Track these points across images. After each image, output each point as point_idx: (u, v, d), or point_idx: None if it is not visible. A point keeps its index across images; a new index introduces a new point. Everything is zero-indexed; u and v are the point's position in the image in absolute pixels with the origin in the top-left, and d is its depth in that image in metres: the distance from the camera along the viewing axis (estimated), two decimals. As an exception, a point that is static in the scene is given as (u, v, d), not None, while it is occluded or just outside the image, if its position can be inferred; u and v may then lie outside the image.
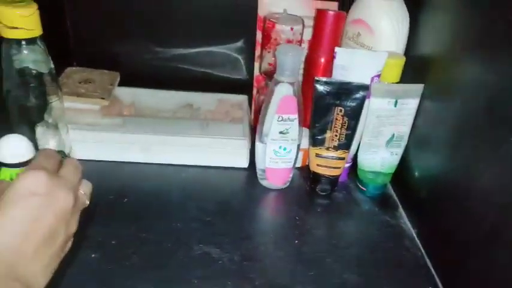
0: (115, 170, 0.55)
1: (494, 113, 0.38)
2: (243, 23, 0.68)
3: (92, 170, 0.54)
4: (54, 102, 0.49)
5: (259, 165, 0.56)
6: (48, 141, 0.50)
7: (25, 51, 0.44)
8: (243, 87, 0.71)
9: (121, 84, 0.66)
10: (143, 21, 0.68)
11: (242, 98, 0.69)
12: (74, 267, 0.41)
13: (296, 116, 0.51)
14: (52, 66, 0.47)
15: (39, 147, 0.50)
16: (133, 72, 0.69)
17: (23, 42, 0.43)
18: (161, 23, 0.69)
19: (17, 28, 0.41)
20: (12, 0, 0.41)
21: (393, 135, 0.53)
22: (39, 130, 0.49)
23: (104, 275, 0.41)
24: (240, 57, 0.72)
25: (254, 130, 0.63)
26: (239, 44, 0.71)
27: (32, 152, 0.42)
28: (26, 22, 0.41)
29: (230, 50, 0.72)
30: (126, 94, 0.65)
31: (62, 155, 0.52)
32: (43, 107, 0.48)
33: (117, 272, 0.41)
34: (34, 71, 0.45)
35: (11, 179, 0.41)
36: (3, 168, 0.41)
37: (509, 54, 0.36)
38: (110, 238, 0.45)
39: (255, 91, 0.70)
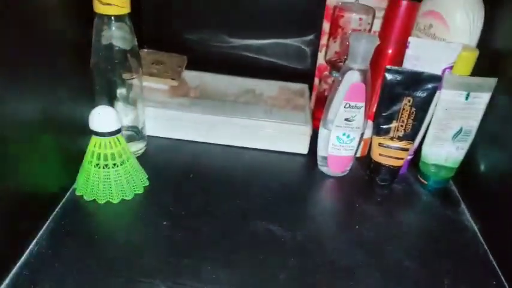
0: (182, 148, 0.58)
1: None
2: (310, 16, 0.68)
3: (161, 146, 0.58)
4: (135, 79, 0.52)
5: (320, 152, 0.56)
6: (126, 115, 0.54)
7: (113, 28, 0.47)
8: (303, 76, 0.72)
9: (187, 68, 0.69)
10: (214, 11, 0.70)
11: (303, 87, 0.70)
12: (147, 231, 0.44)
13: (363, 103, 0.51)
14: (136, 44, 0.50)
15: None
16: (199, 58, 0.72)
17: (113, 19, 0.46)
18: (231, 14, 0.70)
19: (109, 4, 0.44)
20: (107, -20, 0.45)
21: (461, 129, 0.52)
22: (119, 104, 0.52)
23: (175, 241, 0.43)
24: (304, 47, 0.73)
25: (313, 119, 0.64)
26: (304, 35, 0.72)
27: (119, 123, 0.45)
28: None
29: (295, 41, 0.73)
30: (193, 77, 0.68)
31: (135, 130, 0.55)
32: (124, 82, 0.51)
33: (187, 239, 0.43)
34: (118, 47, 0.49)
35: (99, 147, 0.44)
36: (93, 137, 0.44)
37: None
38: (180, 209, 0.47)
39: (316, 80, 0.71)
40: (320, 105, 0.62)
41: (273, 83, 0.70)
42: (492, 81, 0.50)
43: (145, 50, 0.70)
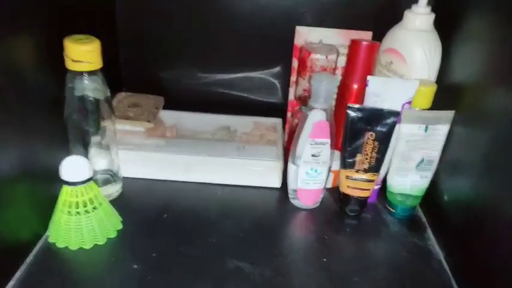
0: (157, 188, 0.60)
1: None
2: (281, 51, 0.72)
3: (137, 187, 0.60)
4: (108, 125, 0.54)
5: (291, 185, 0.58)
6: (100, 160, 0.56)
7: (86, 81, 0.49)
8: (277, 110, 0.74)
9: (165, 107, 0.72)
10: (188, 50, 0.74)
11: (276, 121, 0.72)
12: (117, 276, 0.45)
13: (328, 140, 0.54)
14: (109, 94, 0.52)
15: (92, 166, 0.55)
16: (176, 97, 0.75)
17: (85, 74, 0.48)
18: (205, 51, 0.74)
19: (80, 62, 0.47)
20: (79, 38, 0.47)
21: (423, 159, 0.54)
22: (93, 150, 0.54)
23: (144, 284, 0.44)
24: (276, 82, 0.76)
25: (287, 151, 0.66)
26: (276, 70, 0.75)
27: (90, 172, 0.47)
28: (89, 56, 0.47)
29: (267, 75, 0.76)
30: (169, 117, 0.70)
31: (110, 173, 0.57)
32: (97, 129, 0.53)
33: (157, 282, 0.45)
34: (92, 98, 0.51)
35: (70, 196, 0.46)
36: (65, 186, 0.46)
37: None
38: (151, 251, 0.48)
39: (289, 114, 0.73)
40: (292, 139, 0.64)
41: (247, 118, 0.72)
42: (450, 114, 0.53)
43: (123, 93, 0.72)
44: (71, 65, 0.47)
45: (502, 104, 0.43)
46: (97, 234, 0.48)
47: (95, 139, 0.54)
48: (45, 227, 0.49)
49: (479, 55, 0.49)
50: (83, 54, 0.46)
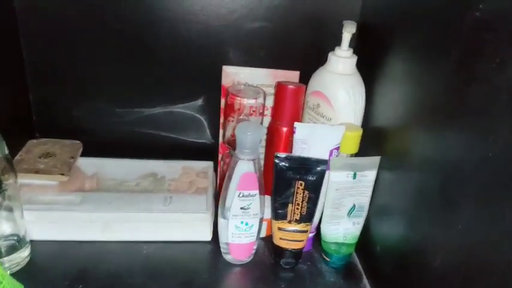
0: (72, 251, 0.54)
1: (446, 189, 0.38)
2: (206, 86, 0.68)
3: (49, 252, 0.53)
4: (9, 185, 0.47)
5: (222, 239, 0.55)
6: (2, 225, 0.49)
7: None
8: (208, 151, 0.71)
9: (84, 153, 0.66)
10: (104, 84, 0.68)
11: (207, 166, 0.68)
12: None
13: (257, 191, 0.51)
14: (6, 151, 0.46)
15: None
16: (96, 139, 0.69)
17: (-26, 132, 0.42)
18: (122, 85, 0.68)
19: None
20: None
21: (354, 205, 0.54)
22: (-8, 215, 0.47)
23: None
24: (202, 118, 0.71)
25: (219, 197, 0.63)
26: (201, 105, 0.70)
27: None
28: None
29: (193, 110, 0.71)
30: (89, 165, 0.64)
31: (16, 239, 0.50)
32: (-4, 191, 0.47)
33: None
34: (-13, 157, 0.45)
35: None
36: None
37: (460, 130, 0.36)
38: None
39: (220, 157, 0.70)
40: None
41: (175, 163, 0.68)
42: (376, 160, 0.52)
43: (34, 141, 0.65)
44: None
45: (423, 149, 0.43)
46: (-6, 321, 0.41)
47: (-6, 202, 0.47)
48: None
49: (399, 98, 0.49)
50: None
